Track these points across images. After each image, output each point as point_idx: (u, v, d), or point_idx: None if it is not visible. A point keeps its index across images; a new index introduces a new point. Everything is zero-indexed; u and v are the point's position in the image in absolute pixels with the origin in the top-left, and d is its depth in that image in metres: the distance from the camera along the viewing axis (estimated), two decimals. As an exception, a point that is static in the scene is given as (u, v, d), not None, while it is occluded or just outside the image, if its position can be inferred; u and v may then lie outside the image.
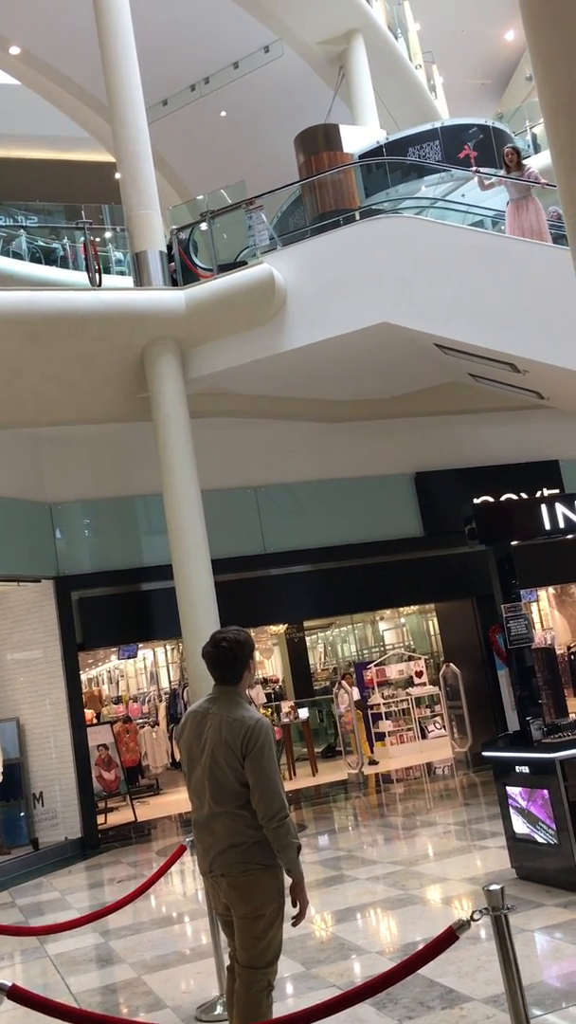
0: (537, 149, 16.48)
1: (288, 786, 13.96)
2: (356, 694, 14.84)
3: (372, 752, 14.93)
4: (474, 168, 11.32)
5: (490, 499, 12.35)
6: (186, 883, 9.22)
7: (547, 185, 9.64)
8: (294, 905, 3.81)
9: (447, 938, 3.42)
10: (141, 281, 11.28)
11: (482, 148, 12.94)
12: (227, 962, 4.05)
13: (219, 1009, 5.09)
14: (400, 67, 18.43)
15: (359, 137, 13.72)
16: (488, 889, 3.43)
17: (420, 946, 3.64)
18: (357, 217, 11.43)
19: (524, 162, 10.11)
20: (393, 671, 16.39)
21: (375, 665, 16.47)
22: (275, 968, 3.85)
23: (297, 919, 3.83)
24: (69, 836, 11.71)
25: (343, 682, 14.90)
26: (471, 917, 3.43)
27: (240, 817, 3.76)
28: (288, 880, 3.80)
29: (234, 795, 3.77)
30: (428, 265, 10.10)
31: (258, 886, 3.76)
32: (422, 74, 19.75)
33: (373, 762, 14.63)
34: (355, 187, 12.45)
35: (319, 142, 12.95)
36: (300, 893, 3.79)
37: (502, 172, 10.07)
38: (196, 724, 3.93)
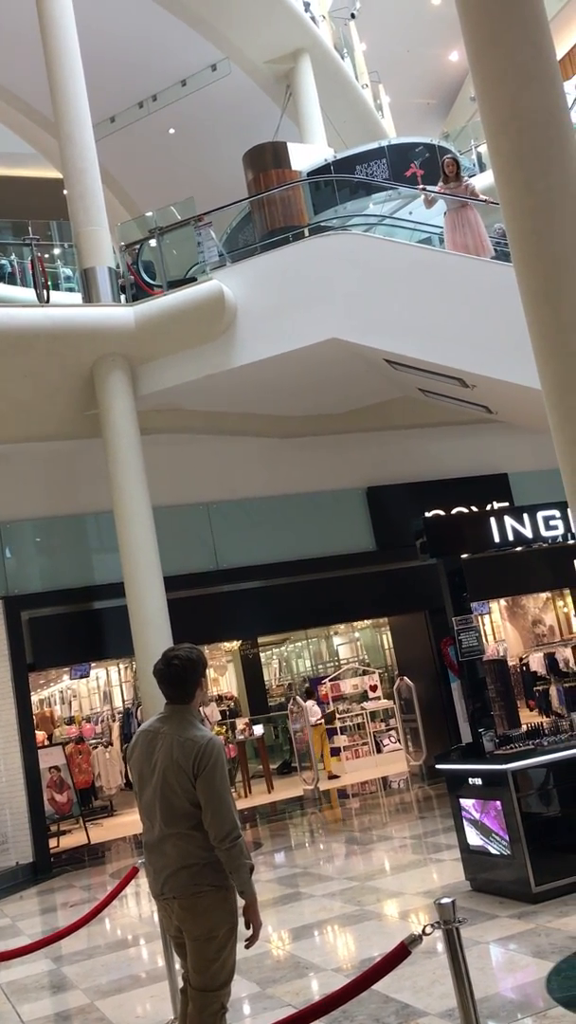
0: (483, 168, 16.74)
1: (243, 803, 13.86)
2: (316, 711, 14.84)
3: (328, 767, 14.92)
4: (420, 186, 11.46)
5: (441, 512, 12.44)
6: (140, 905, 9.10)
7: (490, 202, 9.80)
8: (247, 926, 3.76)
9: (399, 953, 3.41)
10: (90, 297, 11.23)
11: (428, 166, 13.13)
12: (180, 985, 3.99)
13: (173, 1033, 5.02)
14: (347, 86, 18.65)
15: (307, 155, 13.85)
16: (439, 903, 3.43)
17: (376, 961, 3.62)
18: (306, 234, 11.50)
19: (463, 175, 10.29)
20: (348, 686, 16.39)
21: (330, 680, 16.46)
22: (228, 990, 3.80)
23: (251, 941, 3.78)
24: (20, 861, 11.50)
25: (307, 699, 14.91)
26: (423, 931, 3.43)
27: (191, 838, 3.71)
28: (241, 901, 3.76)
29: (185, 816, 3.71)
30: (377, 281, 10.20)
31: (210, 908, 3.71)
32: (369, 93, 20.00)
33: (334, 776, 14.60)
34: (304, 204, 12.54)
35: (267, 159, 13.04)
36: (253, 914, 3.74)
37: (441, 182, 10.22)
38: (147, 744, 3.87)
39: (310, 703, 14.87)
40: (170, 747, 3.75)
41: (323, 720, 14.98)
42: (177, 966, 4.34)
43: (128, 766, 4.06)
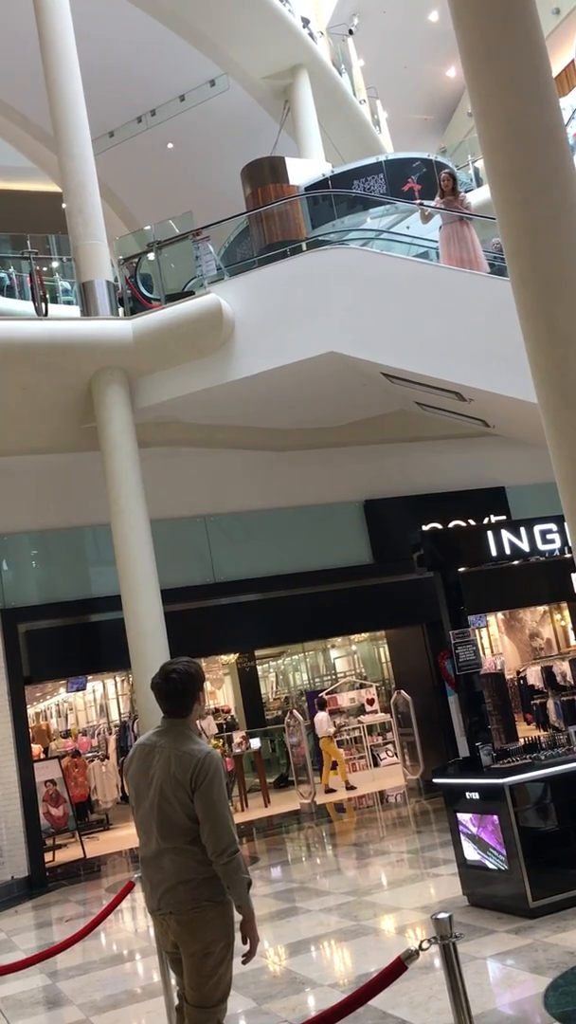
0: (480, 183, 16.84)
1: (240, 817, 13.81)
2: (327, 723, 14.82)
3: (326, 780, 14.87)
4: (417, 201, 11.52)
5: (438, 526, 12.45)
6: (136, 920, 9.05)
7: (484, 217, 9.84)
8: (244, 942, 3.74)
9: (396, 969, 3.40)
10: (88, 311, 11.26)
11: (425, 181, 13.19)
12: (176, 1002, 3.96)
13: (169, 1049, 4.99)
14: (344, 102, 18.75)
15: (305, 169, 13.91)
16: (436, 918, 3.42)
17: (373, 977, 3.60)
18: (304, 248, 11.54)
19: (460, 190, 10.35)
20: (345, 699, 16.36)
21: (327, 693, 16.42)
22: (225, 1006, 3.78)
23: (247, 956, 3.76)
24: (15, 875, 11.44)
25: (320, 709, 14.91)
26: (420, 947, 3.41)
27: (189, 853, 3.69)
28: (238, 916, 3.74)
29: (182, 830, 3.69)
30: (374, 295, 10.23)
31: (207, 923, 3.68)
32: (366, 109, 20.11)
33: (351, 787, 14.55)
34: (301, 219, 12.59)
35: (265, 174, 13.10)
36: (250, 929, 3.71)
37: (437, 196, 10.28)
38: (144, 757, 3.85)
39: (323, 715, 14.86)
40: (167, 761, 3.74)
41: (334, 731, 14.93)
42: (172, 982, 4.31)
43: (125, 780, 4.02)
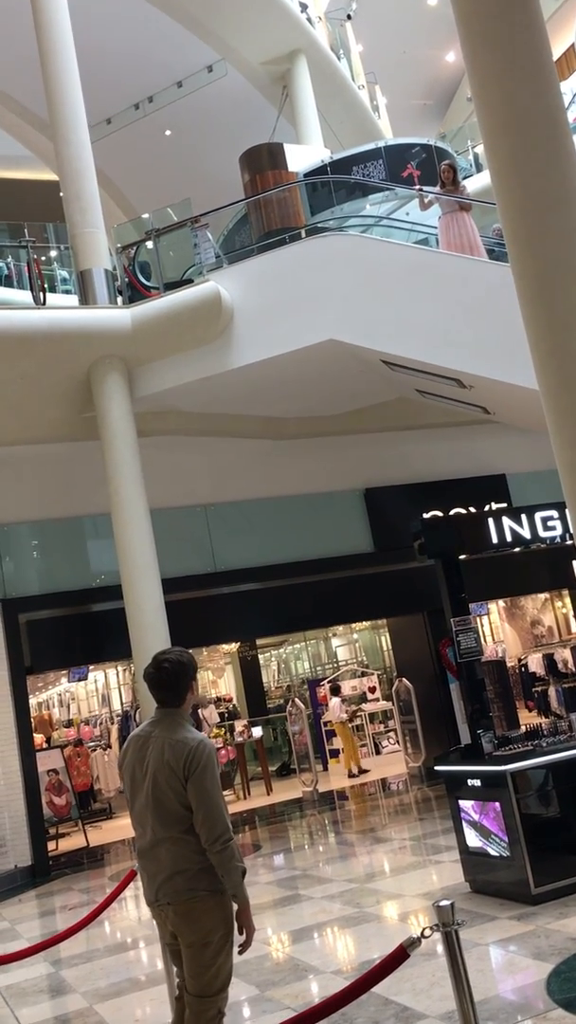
0: (479, 168, 16.76)
1: (242, 805, 13.86)
2: (340, 709, 14.86)
3: (347, 765, 14.92)
4: (417, 187, 11.46)
5: (439, 514, 12.43)
6: (139, 908, 9.08)
7: (484, 202, 9.80)
8: (240, 932, 3.75)
9: (398, 956, 3.40)
10: (86, 299, 11.21)
11: (425, 167, 13.13)
12: (177, 992, 3.96)
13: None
14: (343, 87, 18.64)
15: (304, 156, 13.85)
16: (438, 905, 3.42)
17: (376, 964, 3.61)
18: (303, 235, 11.48)
19: (460, 180, 10.30)
20: (346, 687, 16.38)
21: (328, 682, 16.45)
22: (225, 995, 3.78)
23: (244, 946, 3.77)
24: (19, 864, 11.47)
25: (332, 697, 14.96)
26: (422, 934, 3.41)
27: (185, 843, 3.69)
28: (234, 905, 3.74)
29: (178, 819, 3.69)
30: (374, 282, 10.19)
31: (205, 913, 3.68)
32: (365, 94, 20.00)
33: (364, 771, 14.57)
34: (300, 205, 12.54)
35: (264, 161, 13.04)
36: (246, 918, 3.72)
37: (438, 188, 10.23)
38: (138, 748, 3.85)
39: (335, 700, 14.90)
40: (161, 749, 3.74)
41: (347, 717, 14.96)
42: (174, 972, 4.31)
43: (120, 772, 4.01)
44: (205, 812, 3.63)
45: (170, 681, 3.84)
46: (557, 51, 22.07)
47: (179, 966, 3.85)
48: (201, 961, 3.69)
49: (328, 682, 16.22)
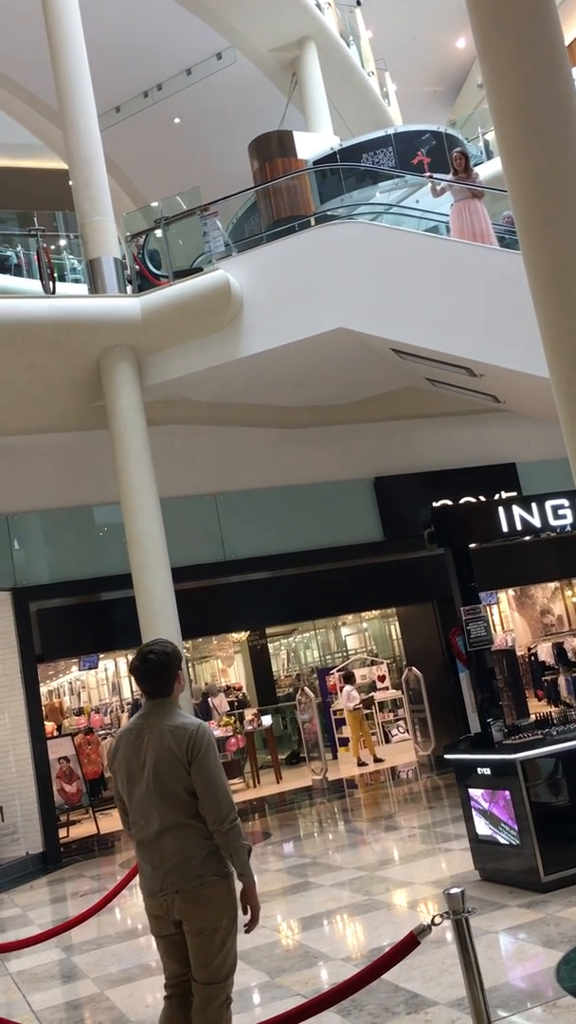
0: (490, 155, 16.64)
1: (252, 794, 13.91)
2: (355, 696, 14.90)
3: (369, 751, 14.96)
4: (428, 174, 11.40)
5: (449, 502, 12.42)
6: (150, 895, 9.12)
7: (496, 190, 9.75)
8: (245, 912, 3.77)
9: (409, 943, 3.41)
10: (96, 288, 11.20)
11: (435, 154, 13.05)
12: (166, 991, 3.90)
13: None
14: (353, 74, 18.53)
15: (313, 143, 13.78)
16: (448, 893, 3.43)
17: (386, 951, 3.62)
18: (312, 223, 11.45)
19: (472, 167, 10.25)
20: (357, 676, 16.39)
21: (338, 671, 16.47)
22: (232, 980, 3.81)
23: (250, 926, 3.79)
24: (30, 851, 11.55)
25: (345, 683, 14.98)
26: (432, 922, 3.42)
27: (190, 828, 3.71)
28: (239, 886, 3.76)
29: (183, 805, 3.71)
30: (383, 270, 10.15)
31: (214, 898, 3.71)
32: (375, 81, 19.87)
33: (379, 759, 14.63)
34: (310, 193, 12.48)
35: (273, 148, 12.98)
36: (252, 898, 3.75)
37: (450, 176, 10.18)
38: (132, 741, 3.84)
39: (348, 688, 14.93)
40: (160, 737, 3.75)
41: (361, 705, 14.98)
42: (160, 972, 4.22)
43: (111, 771, 3.97)
44: (213, 793, 3.67)
45: (156, 672, 3.85)
46: (569, 36, 21.89)
47: (174, 960, 3.83)
48: (210, 948, 3.71)
49: (339, 671, 16.24)
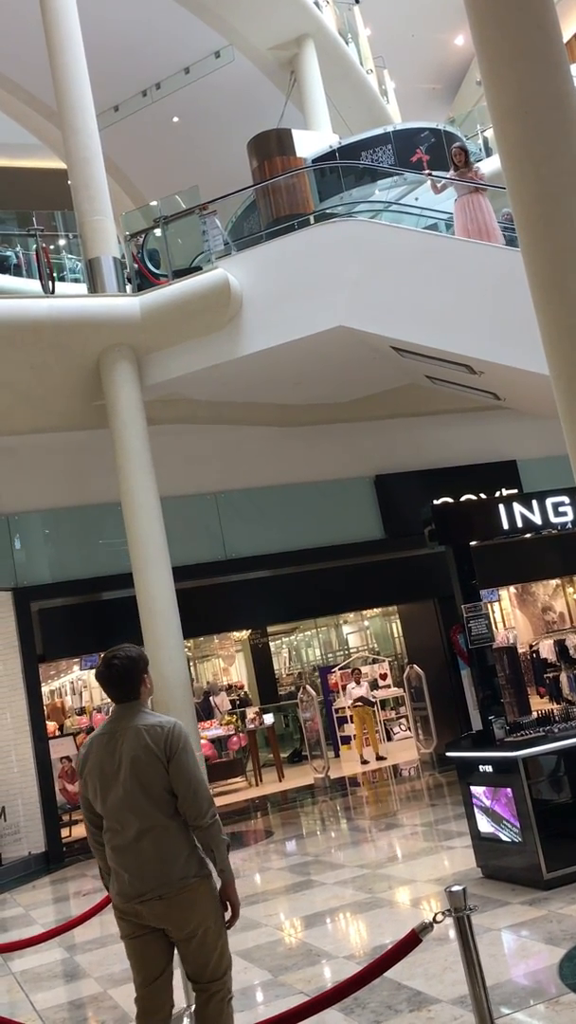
0: (489, 153, 16.61)
1: (254, 792, 13.92)
2: (363, 691, 14.89)
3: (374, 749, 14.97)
4: (427, 172, 11.39)
5: (450, 500, 12.41)
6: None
7: (495, 187, 9.73)
8: (225, 908, 3.78)
9: (411, 941, 3.41)
10: (95, 288, 11.20)
11: (434, 152, 13.03)
12: (140, 1006, 3.85)
13: (186, 1021, 5.04)
14: (351, 72, 18.51)
15: (312, 141, 13.76)
16: (450, 891, 3.43)
17: (388, 949, 3.62)
18: (312, 221, 11.44)
19: (472, 162, 10.23)
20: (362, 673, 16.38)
21: (339, 669, 16.47)
22: (231, 974, 3.83)
23: (231, 922, 3.80)
24: (33, 850, 11.56)
25: (351, 679, 14.98)
26: (434, 919, 3.42)
27: (169, 829, 3.69)
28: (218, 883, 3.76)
29: (162, 804, 3.70)
30: (383, 268, 10.14)
31: (201, 899, 3.70)
32: (373, 79, 19.85)
33: (381, 758, 14.62)
34: (309, 191, 12.47)
35: (272, 147, 12.96)
36: (232, 893, 3.76)
37: (451, 172, 10.17)
38: (105, 746, 3.81)
39: (351, 684, 14.95)
40: (136, 737, 3.74)
41: (361, 702, 14.98)
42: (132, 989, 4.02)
43: (81, 778, 3.90)
44: (193, 789, 3.68)
45: (121, 677, 3.84)
46: (567, 33, 21.88)
47: (145, 966, 3.78)
48: (205, 947, 3.72)
49: (341, 668, 16.24)
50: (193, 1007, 3.95)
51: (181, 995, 5.28)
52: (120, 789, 3.73)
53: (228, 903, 3.77)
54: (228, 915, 3.78)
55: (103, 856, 3.88)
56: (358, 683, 15.21)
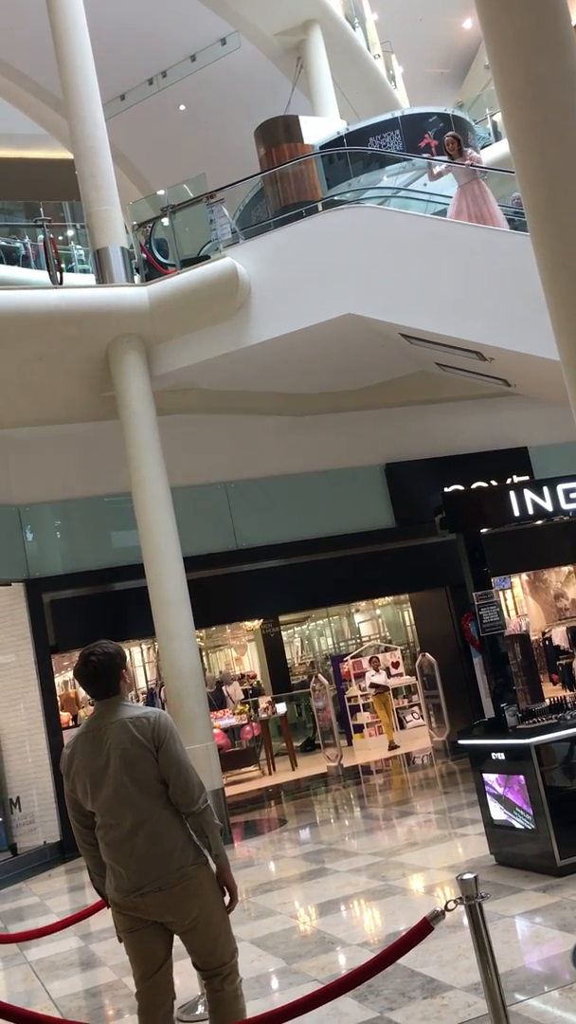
0: (498, 137, 16.52)
1: (268, 781, 13.96)
2: (380, 678, 14.92)
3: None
4: (427, 155, 11.32)
5: (460, 488, 12.38)
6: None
7: (500, 170, 9.67)
8: (223, 892, 3.80)
9: (423, 929, 3.41)
10: (103, 278, 11.18)
11: (443, 137, 12.92)
12: (141, 1002, 3.83)
13: (200, 1009, 5.06)
14: (359, 57, 18.38)
15: (319, 128, 13.68)
16: (462, 878, 3.43)
17: (401, 936, 3.63)
18: (319, 208, 11.38)
19: (466, 149, 10.19)
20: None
21: (351, 657, 16.48)
22: (237, 957, 3.86)
23: (230, 906, 3.81)
24: (48, 840, 11.63)
25: (370, 666, 15.03)
26: (446, 907, 3.42)
27: (163, 820, 3.69)
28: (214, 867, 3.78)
29: (154, 794, 3.71)
30: (392, 255, 10.09)
31: (201, 886, 3.71)
32: (381, 64, 19.71)
33: (395, 746, 14.66)
34: (317, 178, 12.40)
35: (279, 134, 12.87)
36: (228, 877, 3.77)
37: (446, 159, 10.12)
38: (91, 742, 3.80)
39: (370, 671, 14.97)
40: (123, 729, 3.74)
41: (372, 690, 15.00)
42: (131, 979, 4.06)
43: (68, 779, 3.84)
44: (184, 776, 3.70)
45: (100, 673, 3.84)
46: (575, 15, 21.62)
47: (148, 954, 3.76)
48: (209, 933, 3.74)
49: (353, 657, 16.24)
50: (206, 995, 3.96)
51: (195, 981, 5.31)
52: (111, 784, 3.72)
53: (226, 887, 3.78)
54: (227, 900, 3.80)
55: (92, 856, 3.86)
56: (376, 670, 15.21)
